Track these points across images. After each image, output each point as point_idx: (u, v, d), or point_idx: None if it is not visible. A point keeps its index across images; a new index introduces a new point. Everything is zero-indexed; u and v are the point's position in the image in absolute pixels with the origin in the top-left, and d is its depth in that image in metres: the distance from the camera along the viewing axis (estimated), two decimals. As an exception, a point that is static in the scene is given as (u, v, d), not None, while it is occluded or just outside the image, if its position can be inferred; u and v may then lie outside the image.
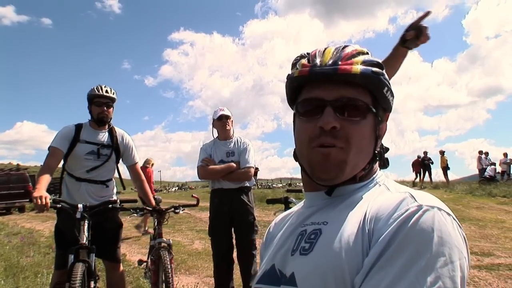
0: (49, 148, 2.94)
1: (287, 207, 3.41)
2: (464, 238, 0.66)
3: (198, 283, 4.54)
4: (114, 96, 3.17)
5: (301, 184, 0.90)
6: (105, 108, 3.10)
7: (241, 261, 3.53)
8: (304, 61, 0.81)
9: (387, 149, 0.89)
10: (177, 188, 41.17)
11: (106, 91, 3.11)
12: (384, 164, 0.89)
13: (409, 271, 0.59)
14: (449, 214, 0.66)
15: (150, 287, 3.82)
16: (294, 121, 0.86)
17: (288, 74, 0.85)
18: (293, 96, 0.85)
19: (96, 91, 3.09)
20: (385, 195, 0.75)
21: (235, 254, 3.58)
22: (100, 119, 3.11)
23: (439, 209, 0.65)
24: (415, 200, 0.66)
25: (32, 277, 4.84)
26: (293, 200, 3.47)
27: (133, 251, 6.67)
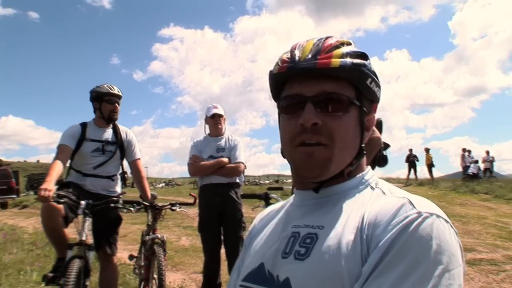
0: (58, 147, 3.03)
1: (268, 204, 3.26)
2: (460, 245, 0.65)
3: (185, 280, 4.53)
4: (121, 94, 3.29)
5: (286, 181, 0.87)
6: (116, 105, 3.22)
7: (229, 258, 3.53)
8: (285, 56, 0.78)
9: (387, 146, 0.87)
10: (164, 184, 40.95)
11: (118, 90, 3.23)
12: (381, 162, 0.87)
13: (407, 279, 0.58)
14: (447, 221, 0.65)
15: (137, 283, 3.80)
16: (279, 118, 0.82)
17: (270, 71, 0.81)
18: (277, 93, 0.81)
19: (109, 90, 3.19)
20: (382, 199, 0.72)
21: (222, 251, 3.58)
22: (111, 117, 3.23)
23: (438, 216, 0.64)
24: (414, 206, 0.65)
25: (15, 274, 4.75)
26: (275, 196, 3.31)
27: (119, 247, 6.60)
